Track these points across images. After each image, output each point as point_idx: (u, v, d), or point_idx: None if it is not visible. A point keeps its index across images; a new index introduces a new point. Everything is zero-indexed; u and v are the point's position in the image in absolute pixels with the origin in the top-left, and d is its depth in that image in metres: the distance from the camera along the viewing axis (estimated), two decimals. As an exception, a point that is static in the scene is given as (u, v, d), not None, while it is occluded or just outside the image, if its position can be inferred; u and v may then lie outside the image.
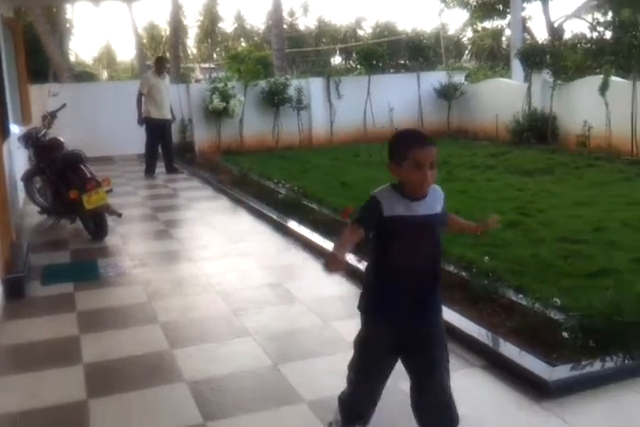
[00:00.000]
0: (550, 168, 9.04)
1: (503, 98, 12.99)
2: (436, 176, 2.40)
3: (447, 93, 14.08)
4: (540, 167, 9.02)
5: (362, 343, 2.67)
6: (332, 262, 2.39)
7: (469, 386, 3.34)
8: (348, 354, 3.74)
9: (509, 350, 3.58)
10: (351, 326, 4.14)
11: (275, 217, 7.14)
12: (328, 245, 5.87)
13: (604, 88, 10.26)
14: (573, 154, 10.15)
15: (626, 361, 3.39)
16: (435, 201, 2.47)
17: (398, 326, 2.53)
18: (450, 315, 4.05)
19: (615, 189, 7.41)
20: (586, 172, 8.71)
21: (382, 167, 9.39)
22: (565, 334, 3.53)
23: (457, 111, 14.21)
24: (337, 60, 50.35)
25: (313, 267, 5.56)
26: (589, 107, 10.78)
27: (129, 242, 6.63)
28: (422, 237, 2.45)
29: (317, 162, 10.51)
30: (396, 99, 13.89)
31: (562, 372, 3.28)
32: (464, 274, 4.62)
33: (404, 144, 2.39)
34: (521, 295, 4.17)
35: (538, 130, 11.65)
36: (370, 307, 2.60)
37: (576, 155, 10.03)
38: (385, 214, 2.40)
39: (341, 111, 13.67)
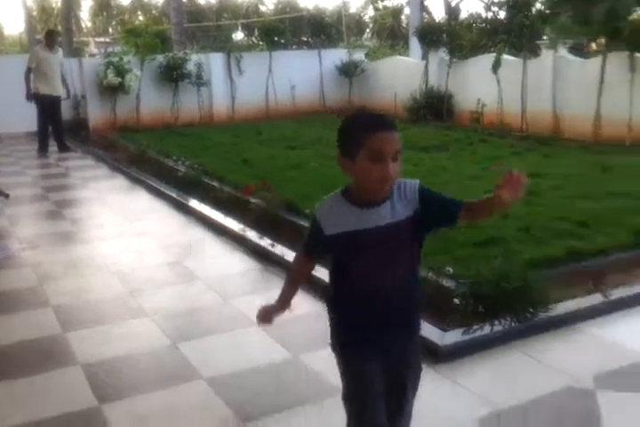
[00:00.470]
0: (445, 144, 9.32)
1: (401, 76, 13.22)
2: (399, 170, 1.88)
3: (348, 71, 14.16)
4: (436, 144, 9.28)
5: (350, 393, 2.09)
6: (262, 317, 2.23)
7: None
8: (248, 330, 3.78)
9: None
10: (251, 303, 4.15)
11: (174, 195, 6.98)
12: (229, 222, 5.81)
13: (496, 66, 10.64)
14: (468, 130, 10.50)
15: (513, 324, 3.57)
16: (402, 202, 1.93)
17: (381, 357, 2.07)
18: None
19: (506, 164, 7.73)
20: (479, 147, 9.04)
21: (284, 145, 9.38)
22: (457, 301, 3.67)
23: (357, 89, 14.34)
24: (239, 35, 49.46)
25: (213, 245, 5.48)
26: (483, 84, 11.16)
27: (18, 224, 6.28)
28: (387, 252, 1.95)
29: (218, 139, 10.34)
30: (298, 76, 13.84)
31: (453, 336, 3.42)
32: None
33: (359, 130, 1.85)
34: (416, 266, 4.28)
35: (434, 107, 11.96)
36: (342, 342, 2.10)
37: (470, 131, 10.38)
38: (327, 233, 1.95)
39: (243, 88, 13.47)
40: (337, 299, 2.08)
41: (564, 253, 4.42)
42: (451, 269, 4.04)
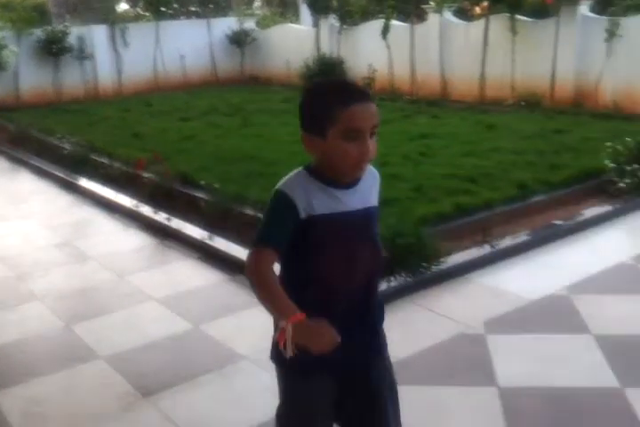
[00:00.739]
0: (340, 110, 9.36)
1: (293, 43, 13.12)
2: (376, 147, 1.59)
3: (239, 40, 13.90)
4: (331, 110, 9.31)
5: (292, 413, 1.78)
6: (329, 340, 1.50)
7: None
8: (146, 305, 3.70)
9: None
10: (148, 278, 4.07)
11: (61, 175, 6.67)
12: (121, 198, 5.62)
13: (385, 32, 10.76)
14: (361, 96, 10.60)
15: (408, 279, 3.69)
16: (371, 188, 1.69)
17: (339, 375, 1.73)
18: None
19: (397, 126, 7.87)
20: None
21: (176, 117, 9.02)
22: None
23: (250, 58, 14.11)
24: (123, 6, 47.27)
25: (106, 222, 5.29)
26: (374, 50, 11.26)
27: None
28: (360, 243, 1.66)
29: (106, 114, 9.91)
30: (188, 46, 13.43)
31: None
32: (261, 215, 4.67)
33: (330, 102, 1.53)
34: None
35: (327, 74, 11.94)
36: (293, 357, 1.60)
37: (363, 96, 10.49)
38: (302, 217, 1.57)
39: (130, 60, 12.93)
40: (293, 300, 1.58)
41: (453, 209, 4.58)
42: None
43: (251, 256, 1.60)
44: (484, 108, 8.97)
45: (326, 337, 1.50)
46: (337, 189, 1.60)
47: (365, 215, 1.65)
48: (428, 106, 9.17)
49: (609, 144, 5.41)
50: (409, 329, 3.28)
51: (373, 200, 1.68)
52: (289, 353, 1.49)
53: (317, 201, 1.58)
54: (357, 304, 1.70)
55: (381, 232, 3.80)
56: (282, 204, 1.58)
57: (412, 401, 2.67)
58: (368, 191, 1.67)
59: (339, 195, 1.60)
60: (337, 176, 1.60)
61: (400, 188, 5.18)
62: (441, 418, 2.56)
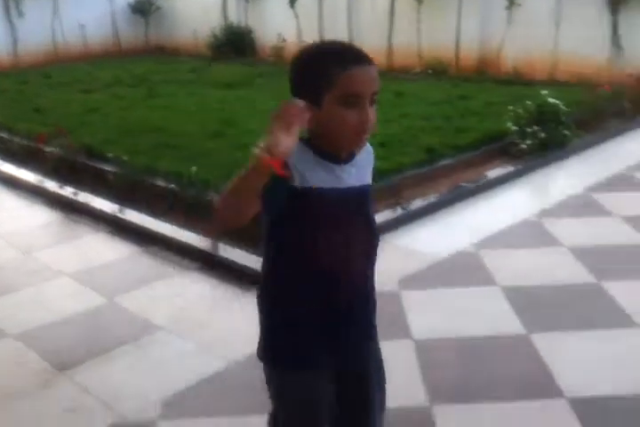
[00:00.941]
0: (249, 80, 9.25)
1: (200, 13, 12.76)
2: (376, 117, 1.45)
3: (143, 9, 13.40)
4: (239, 80, 9.18)
5: (289, 415, 1.63)
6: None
7: (187, 285, 3.47)
8: (56, 281, 3.59)
9: (224, 250, 3.71)
10: (57, 254, 3.93)
11: (-45, 151, 6.26)
12: (23, 174, 5.38)
13: (293, 1, 10.65)
14: (269, 65, 10.49)
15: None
16: (366, 164, 1.55)
17: (333, 369, 1.61)
18: (167, 228, 4.04)
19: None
20: (281, 80, 8.97)
21: (78, 89, 8.58)
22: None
23: (155, 28, 13.62)
24: (15, -25, 44.35)
25: (7, 199, 5.05)
26: (282, 20, 11.13)
27: None
28: (355, 223, 1.52)
29: (2, 87, 9.33)
30: (89, 16, 12.78)
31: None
32: (174, 186, 4.56)
33: (326, 65, 1.38)
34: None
35: (236, 44, 11.76)
36: (282, 351, 1.57)
37: (272, 66, 10.37)
38: (296, 184, 1.39)
39: (26, 31, 12.18)
40: (284, 290, 1.53)
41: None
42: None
43: None
44: (392, 76, 9.06)
45: (291, 106, 1.29)
46: (333, 164, 1.44)
47: (360, 193, 1.51)
48: (338, 75, 9.20)
49: (511, 108, 5.63)
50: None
51: (368, 178, 1.55)
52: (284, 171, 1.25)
53: (313, 173, 1.41)
54: (357, 298, 1.58)
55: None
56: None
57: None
58: (364, 168, 1.53)
59: (335, 169, 1.44)
60: (333, 148, 1.43)
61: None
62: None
